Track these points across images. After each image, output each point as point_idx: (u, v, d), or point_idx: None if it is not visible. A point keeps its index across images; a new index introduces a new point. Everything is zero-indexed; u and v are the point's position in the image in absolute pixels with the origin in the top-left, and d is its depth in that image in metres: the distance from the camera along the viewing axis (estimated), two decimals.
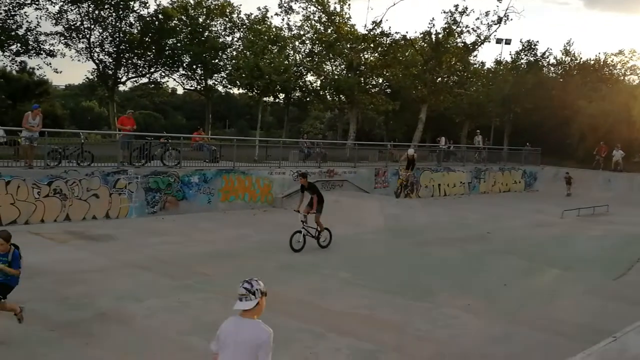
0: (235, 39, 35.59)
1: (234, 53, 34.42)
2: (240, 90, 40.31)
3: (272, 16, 35.29)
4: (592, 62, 42.80)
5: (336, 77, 36.23)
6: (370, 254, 15.10)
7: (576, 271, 14.21)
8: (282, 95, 38.13)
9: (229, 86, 37.38)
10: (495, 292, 11.57)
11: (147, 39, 31.94)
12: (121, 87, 40.39)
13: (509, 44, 44.87)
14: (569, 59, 43.20)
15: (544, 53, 43.30)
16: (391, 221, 19.53)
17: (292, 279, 11.83)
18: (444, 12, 36.44)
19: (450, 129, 43.42)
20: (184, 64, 34.90)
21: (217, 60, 34.78)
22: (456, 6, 35.83)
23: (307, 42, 36.51)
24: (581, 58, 43.15)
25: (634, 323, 5.76)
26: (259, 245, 15.21)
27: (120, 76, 33.00)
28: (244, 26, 35.17)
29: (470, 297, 10.96)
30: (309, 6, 34.97)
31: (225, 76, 35.43)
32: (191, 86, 37.81)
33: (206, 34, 33.88)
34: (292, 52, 36.29)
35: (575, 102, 37.46)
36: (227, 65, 34.63)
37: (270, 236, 16.41)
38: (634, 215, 24.47)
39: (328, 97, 39.34)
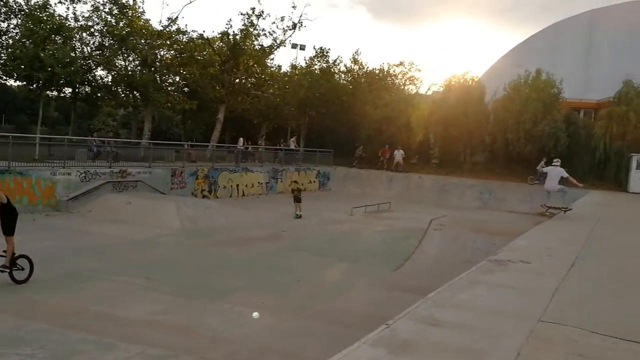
0: (12, 26, 31.99)
1: (10, 41, 30.90)
2: (19, 83, 36.34)
3: (55, 4, 32.20)
4: (378, 71, 46.33)
5: (129, 72, 34.56)
6: (166, 257, 14.60)
7: (362, 264, 15.27)
8: (68, 90, 35.24)
9: (5, 77, 33.47)
10: (289, 289, 11.92)
11: None
12: None
13: (304, 49, 47.10)
14: (357, 67, 46.28)
15: (335, 60, 45.88)
16: (188, 223, 19.14)
17: (79, 288, 10.94)
18: (242, 14, 36.84)
19: (249, 129, 44.01)
20: None
21: None
22: (253, 9, 36.55)
23: (97, 34, 34.23)
24: (368, 67, 46.46)
25: (405, 310, 6.28)
26: (39, 252, 13.74)
27: None
28: (22, 12, 31.74)
29: (265, 295, 11.14)
30: None
31: None
32: None
33: None
34: (79, 44, 33.72)
35: (362, 108, 40.30)
36: (2, 55, 30.98)
37: (53, 242, 15.02)
38: (411, 211, 27.08)
39: (121, 93, 37.34)
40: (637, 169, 31.05)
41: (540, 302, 7.00)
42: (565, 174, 16.94)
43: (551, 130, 33.20)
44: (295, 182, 27.92)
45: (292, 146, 39.25)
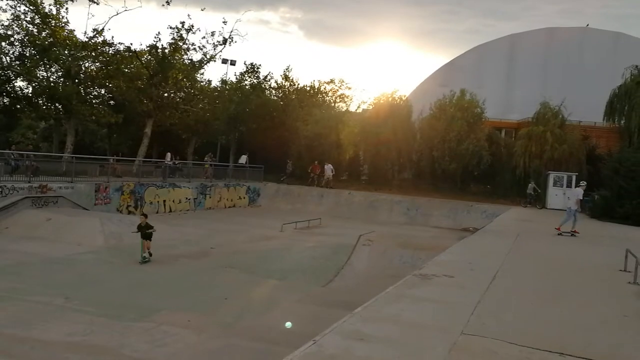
0: None
1: None
2: None
3: None
4: (309, 88, 46.65)
5: (52, 84, 33.25)
6: (88, 276, 14.04)
7: (291, 280, 15.23)
8: None
9: None
10: (217, 306, 11.71)
11: None
12: None
13: (234, 64, 46.90)
14: (288, 83, 46.44)
15: (266, 76, 45.91)
16: (112, 240, 18.53)
17: None
18: (171, 28, 36.30)
19: (177, 144, 43.23)
20: None
21: None
22: (182, 23, 36.08)
23: (17, 44, 32.78)
24: (299, 84, 46.72)
25: (332, 325, 6.30)
26: None
27: None
28: None
29: (191, 313, 10.89)
30: (19, 5, 31.57)
31: None
32: None
33: None
34: None
35: (293, 124, 40.44)
36: None
37: None
38: (340, 227, 27.31)
39: (42, 105, 35.81)
40: (553, 186, 32.58)
41: (463, 315, 7.20)
42: (582, 196, 19.47)
43: (475, 148, 34.45)
44: (143, 215, 18.38)
45: (244, 161, 38.98)
